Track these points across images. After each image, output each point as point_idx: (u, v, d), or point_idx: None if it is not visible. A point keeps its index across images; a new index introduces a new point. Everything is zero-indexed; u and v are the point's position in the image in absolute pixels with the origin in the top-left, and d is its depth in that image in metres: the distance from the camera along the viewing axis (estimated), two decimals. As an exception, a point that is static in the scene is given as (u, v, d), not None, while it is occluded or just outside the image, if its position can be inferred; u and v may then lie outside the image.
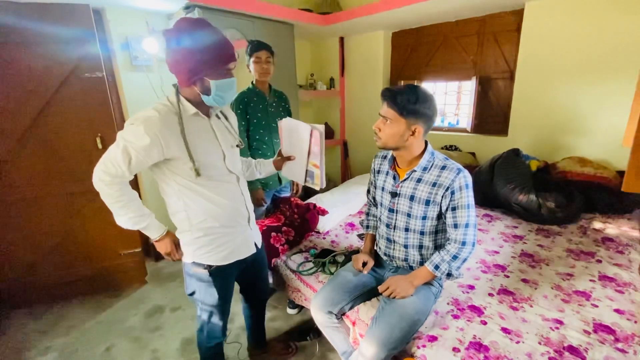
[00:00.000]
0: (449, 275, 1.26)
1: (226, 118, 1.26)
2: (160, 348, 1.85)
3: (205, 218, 1.16)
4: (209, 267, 1.20)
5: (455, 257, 1.23)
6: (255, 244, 1.35)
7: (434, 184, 1.24)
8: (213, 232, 1.18)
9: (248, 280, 1.46)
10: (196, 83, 1.06)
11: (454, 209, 1.23)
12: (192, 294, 1.28)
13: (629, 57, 2.18)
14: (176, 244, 1.23)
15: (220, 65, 1.05)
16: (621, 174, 2.27)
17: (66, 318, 2.11)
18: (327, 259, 1.77)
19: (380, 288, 1.32)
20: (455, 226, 1.23)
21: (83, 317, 2.12)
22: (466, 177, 1.21)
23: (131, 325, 2.04)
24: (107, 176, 1.04)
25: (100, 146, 2.10)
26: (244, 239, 1.28)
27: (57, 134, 2.01)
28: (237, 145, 1.26)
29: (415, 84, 1.18)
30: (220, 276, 1.24)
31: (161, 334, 1.95)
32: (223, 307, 1.31)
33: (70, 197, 2.12)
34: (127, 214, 1.10)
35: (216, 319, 1.32)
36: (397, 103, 1.16)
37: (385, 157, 1.41)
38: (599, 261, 1.70)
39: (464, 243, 1.22)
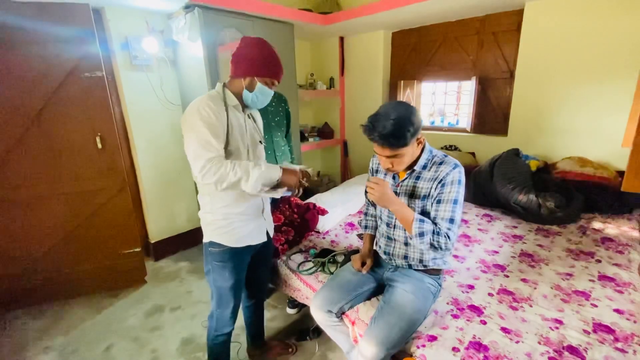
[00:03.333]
0: (420, 235, 1.19)
1: (254, 120, 1.40)
2: (159, 348, 1.85)
3: (225, 205, 1.28)
4: (223, 248, 1.31)
5: (438, 234, 1.18)
6: (268, 234, 1.45)
7: (432, 179, 1.25)
8: (230, 217, 1.29)
9: (253, 267, 1.49)
10: (246, 78, 1.24)
11: (439, 201, 1.21)
12: (208, 272, 1.38)
13: (629, 57, 2.18)
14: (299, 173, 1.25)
15: (272, 75, 1.26)
16: (621, 174, 2.27)
17: (66, 317, 2.11)
18: (326, 258, 1.77)
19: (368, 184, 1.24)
20: (435, 219, 1.21)
21: (82, 317, 2.11)
22: (460, 173, 1.22)
23: (131, 324, 2.04)
24: (206, 160, 1.11)
25: (100, 145, 2.10)
26: (257, 227, 1.38)
27: (56, 133, 2.01)
28: (260, 142, 1.39)
29: (389, 106, 1.14)
30: (234, 258, 1.33)
31: (161, 334, 1.95)
32: (233, 291, 1.37)
33: (69, 197, 2.12)
34: (247, 177, 1.14)
35: (226, 303, 1.39)
36: (396, 143, 1.13)
37: None
38: (599, 261, 1.70)
39: (448, 236, 1.19)
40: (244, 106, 1.32)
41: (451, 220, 1.20)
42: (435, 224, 1.22)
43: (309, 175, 1.31)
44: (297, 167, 1.29)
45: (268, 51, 1.24)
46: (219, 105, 1.20)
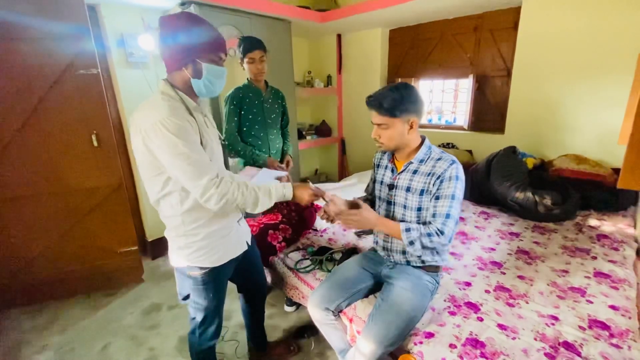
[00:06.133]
0: (410, 243, 1.19)
1: (205, 115, 1.23)
2: (157, 346, 1.85)
3: (202, 223, 1.14)
4: (203, 270, 1.19)
5: (429, 235, 1.17)
6: (247, 242, 1.35)
7: (429, 174, 1.25)
8: (209, 236, 1.16)
9: (243, 276, 1.45)
10: (188, 65, 1.05)
11: (437, 197, 1.21)
12: (185, 298, 1.27)
13: (625, 54, 2.18)
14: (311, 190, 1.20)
15: (213, 50, 1.07)
16: (617, 171, 2.29)
17: (62, 316, 2.10)
18: (324, 256, 1.77)
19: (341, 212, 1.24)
20: (435, 215, 1.20)
21: (79, 316, 2.11)
22: (458, 169, 1.22)
23: (128, 323, 2.03)
24: (207, 181, 1.01)
25: (95, 143, 2.08)
26: (237, 238, 1.28)
27: (52, 131, 1.99)
28: (220, 140, 1.27)
29: (398, 81, 1.20)
30: (215, 278, 1.23)
31: (158, 332, 1.95)
32: (217, 310, 1.31)
33: (65, 195, 2.10)
34: (258, 200, 1.10)
35: (210, 322, 1.31)
36: (385, 108, 1.19)
37: (385, 152, 1.42)
38: (594, 258, 1.72)
39: (442, 232, 1.18)
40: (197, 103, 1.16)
41: (447, 215, 1.19)
42: (426, 223, 1.23)
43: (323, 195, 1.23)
44: (312, 186, 1.24)
45: (199, 24, 1.05)
46: (181, 109, 1.03)
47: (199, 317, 1.28)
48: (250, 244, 1.38)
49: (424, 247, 1.18)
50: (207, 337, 1.33)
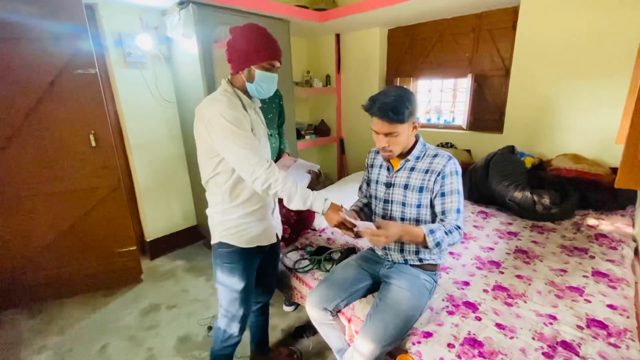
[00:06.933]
0: (437, 245, 1.18)
1: (257, 112, 1.38)
2: (155, 346, 1.84)
3: (238, 204, 1.26)
4: (232, 248, 1.28)
5: (450, 232, 1.20)
6: (277, 235, 1.44)
7: (427, 171, 1.28)
8: (241, 217, 1.27)
9: (260, 271, 1.46)
10: (244, 70, 1.21)
11: (443, 194, 1.25)
12: (217, 278, 1.34)
13: (623, 54, 2.18)
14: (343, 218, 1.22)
15: (267, 59, 1.20)
16: (615, 171, 2.29)
17: (61, 317, 2.10)
18: (323, 256, 1.77)
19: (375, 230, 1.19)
20: (445, 212, 1.25)
21: (78, 316, 2.10)
22: (456, 164, 1.26)
23: (126, 323, 2.03)
24: (256, 163, 1.13)
25: (94, 144, 2.07)
26: (267, 228, 1.36)
27: (49, 131, 1.98)
28: (268, 135, 1.40)
29: (397, 83, 1.21)
30: (243, 259, 1.31)
31: (157, 333, 1.95)
32: (243, 297, 1.33)
33: (63, 196, 2.10)
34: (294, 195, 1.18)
35: (235, 312, 1.34)
36: (394, 118, 1.17)
37: (379, 151, 1.42)
38: (592, 257, 1.72)
39: (459, 227, 1.22)
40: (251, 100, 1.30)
41: (458, 210, 1.24)
42: (442, 220, 1.26)
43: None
44: (345, 213, 1.23)
45: (256, 35, 1.19)
46: (237, 104, 1.19)
47: (225, 303, 1.34)
48: (279, 237, 1.47)
49: (449, 244, 1.21)
50: (232, 332, 1.37)
